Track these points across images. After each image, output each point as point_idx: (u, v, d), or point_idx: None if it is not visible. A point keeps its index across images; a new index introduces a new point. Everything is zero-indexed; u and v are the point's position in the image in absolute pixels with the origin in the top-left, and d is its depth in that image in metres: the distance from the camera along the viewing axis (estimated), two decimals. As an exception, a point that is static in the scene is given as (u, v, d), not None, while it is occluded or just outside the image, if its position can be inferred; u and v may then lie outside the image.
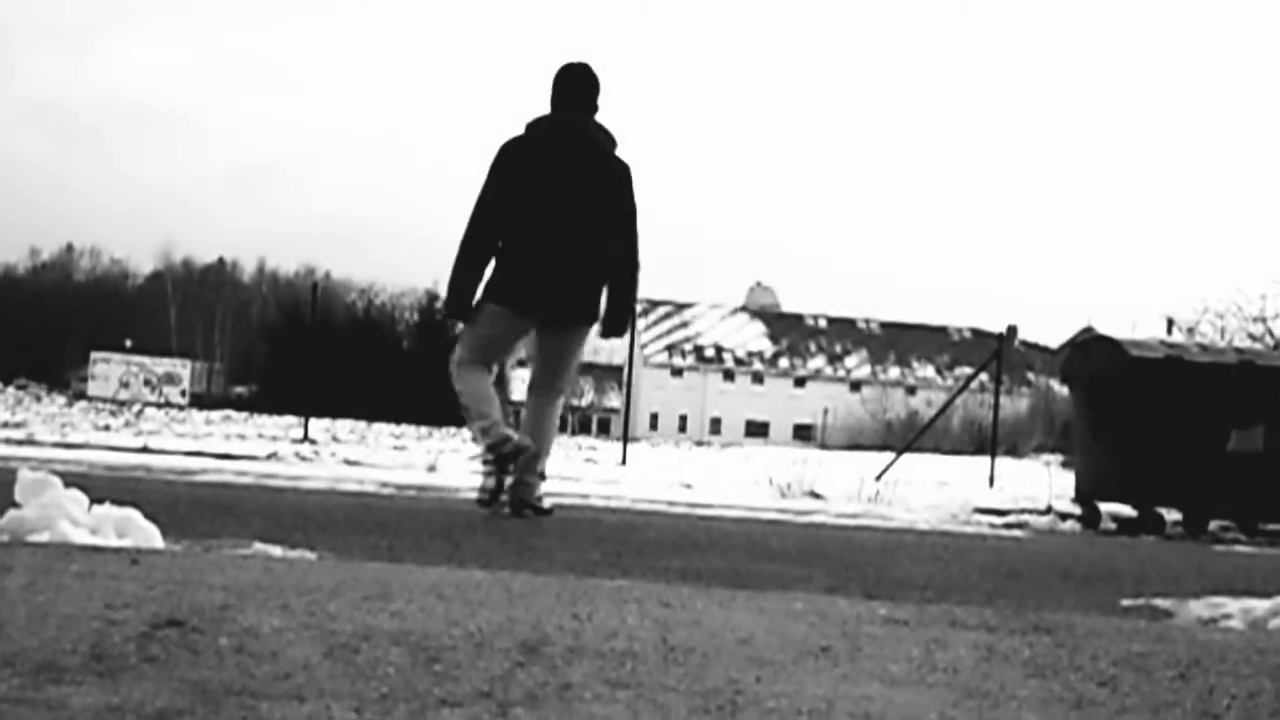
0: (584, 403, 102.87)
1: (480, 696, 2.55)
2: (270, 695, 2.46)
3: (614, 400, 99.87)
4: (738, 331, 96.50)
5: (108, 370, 77.65)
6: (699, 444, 56.37)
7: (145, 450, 15.75)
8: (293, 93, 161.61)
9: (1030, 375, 58.41)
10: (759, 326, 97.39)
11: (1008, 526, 11.53)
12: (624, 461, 20.90)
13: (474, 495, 8.76)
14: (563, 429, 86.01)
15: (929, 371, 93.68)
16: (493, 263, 8.70)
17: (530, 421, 8.93)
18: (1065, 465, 21.21)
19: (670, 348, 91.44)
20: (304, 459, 15.70)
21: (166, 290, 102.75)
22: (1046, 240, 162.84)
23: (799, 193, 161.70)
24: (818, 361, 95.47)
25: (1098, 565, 7.62)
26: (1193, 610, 5.09)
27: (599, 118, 8.78)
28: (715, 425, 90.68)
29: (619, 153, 8.79)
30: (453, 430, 42.45)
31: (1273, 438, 11.84)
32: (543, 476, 8.76)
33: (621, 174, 8.77)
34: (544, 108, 8.65)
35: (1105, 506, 12.34)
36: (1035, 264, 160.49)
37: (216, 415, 43.46)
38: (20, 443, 15.85)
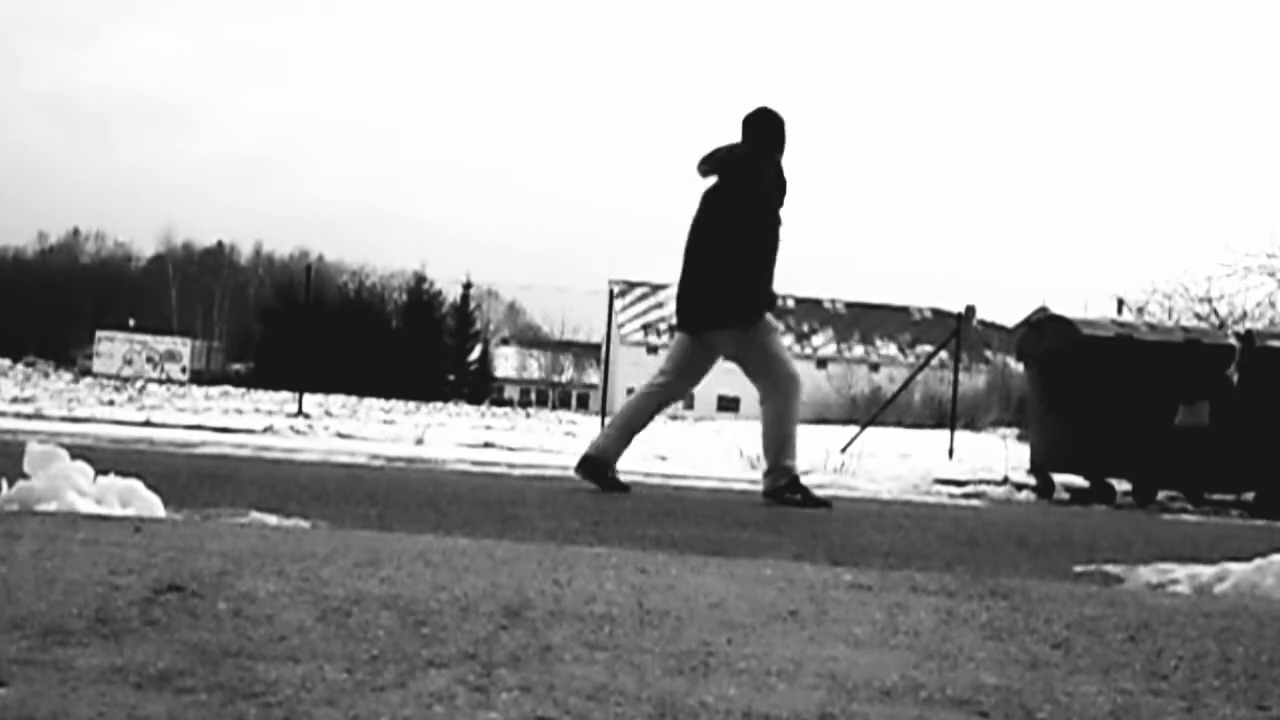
0: (564, 379, 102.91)
1: (465, 658, 2.55)
2: (266, 656, 2.45)
3: (593, 377, 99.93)
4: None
5: (112, 348, 77.39)
6: (673, 418, 56.25)
7: (148, 424, 15.74)
8: (288, 85, 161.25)
9: (988, 353, 58.36)
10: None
11: (966, 496, 11.56)
12: (602, 435, 20.87)
13: (461, 467, 8.73)
14: (543, 404, 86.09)
15: (891, 349, 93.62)
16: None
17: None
18: (1021, 438, 21.27)
19: (646, 327, 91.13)
20: (298, 432, 15.69)
21: (168, 272, 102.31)
22: (1003, 224, 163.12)
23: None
24: (786, 340, 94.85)
25: (1051, 533, 7.63)
26: (1142, 576, 5.10)
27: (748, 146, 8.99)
28: (689, 400, 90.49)
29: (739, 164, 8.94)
30: (439, 405, 42.46)
31: (1217, 412, 11.88)
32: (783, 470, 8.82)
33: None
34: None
35: (1059, 477, 12.39)
36: (993, 247, 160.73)
37: (215, 391, 43.39)
38: (29, 417, 15.83)
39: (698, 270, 8.92)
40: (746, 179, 8.82)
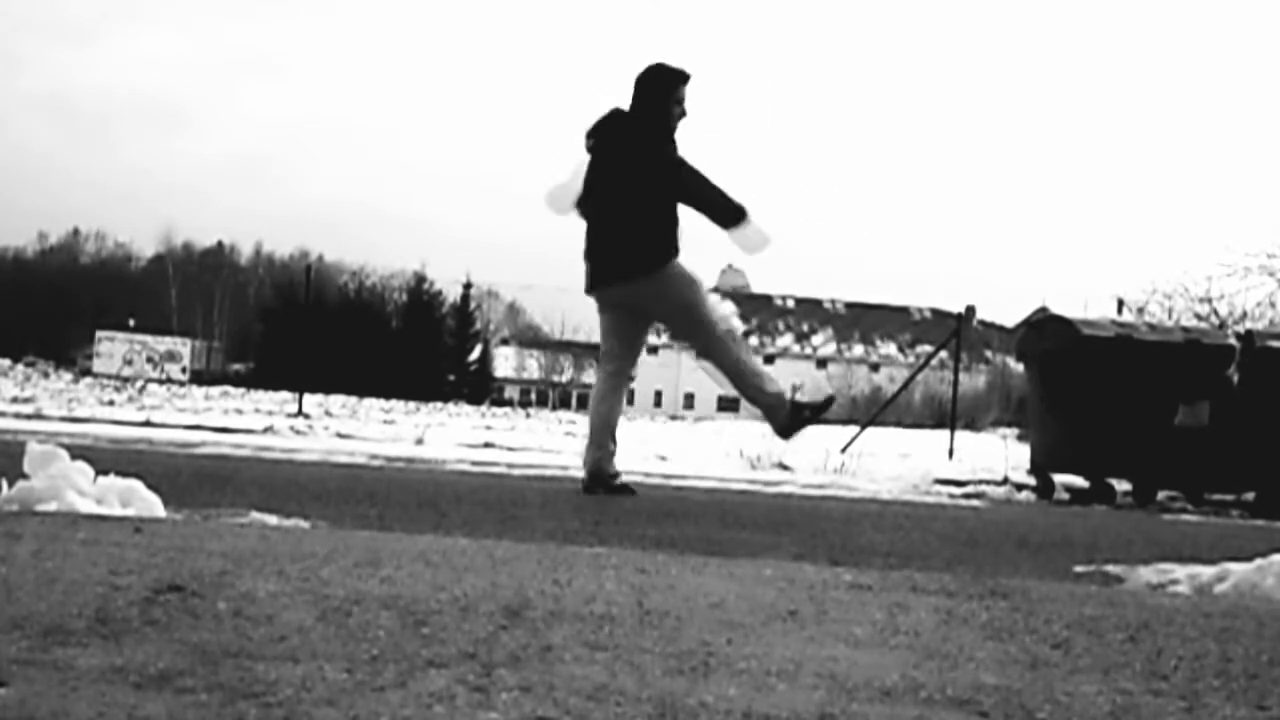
0: (564, 379, 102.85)
1: (465, 658, 2.55)
2: (266, 656, 2.45)
3: (592, 377, 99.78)
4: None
5: (112, 348, 77.41)
6: (673, 418, 56.38)
7: (148, 424, 15.73)
8: (288, 85, 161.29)
9: (988, 353, 58.29)
10: (730, 306, 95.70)
11: (966, 496, 11.55)
12: (603, 435, 20.84)
13: (461, 467, 8.72)
14: (543, 404, 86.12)
15: (891, 349, 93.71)
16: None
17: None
18: (1021, 438, 21.24)
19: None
20: (298, 432, 15.68)
21: (168, 272, 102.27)
22: (1003, 224, 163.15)
23: (767, 180, 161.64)
24: (786, 340, 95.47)
25: (1051, 533, 7.63)
26: (1142, 576, 5.10)
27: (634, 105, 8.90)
28: (689, 400, 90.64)
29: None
30: (439, 405, 42.44)
31: (1217, 412, 11.88)
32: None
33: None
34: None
35: (1059, 477, 12.38)
36: (993, 247, 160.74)
37: (215, 391, 43.36)
38: (29, 417, 15.82)
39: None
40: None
